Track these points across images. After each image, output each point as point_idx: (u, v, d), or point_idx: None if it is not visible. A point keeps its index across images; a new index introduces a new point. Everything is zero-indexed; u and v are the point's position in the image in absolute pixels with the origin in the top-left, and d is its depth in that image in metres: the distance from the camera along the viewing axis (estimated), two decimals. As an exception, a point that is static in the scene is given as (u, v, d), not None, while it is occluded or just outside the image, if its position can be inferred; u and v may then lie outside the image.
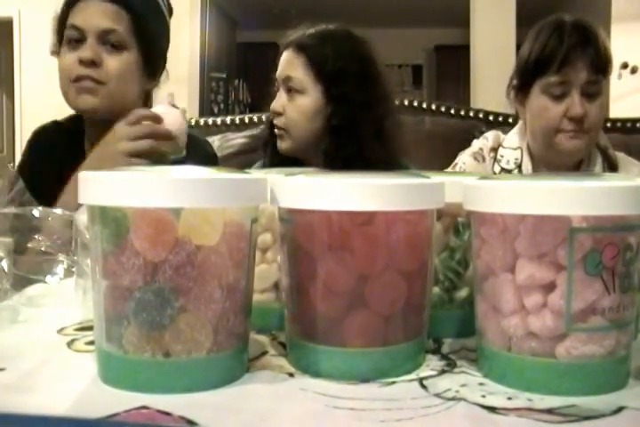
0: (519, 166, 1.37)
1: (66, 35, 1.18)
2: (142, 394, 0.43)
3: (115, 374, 0.45)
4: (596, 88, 1.25)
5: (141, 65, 1.22)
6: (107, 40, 1.17)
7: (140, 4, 1.22)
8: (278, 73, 1.33)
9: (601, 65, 1.24)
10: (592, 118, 1.26)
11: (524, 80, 1.30)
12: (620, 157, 1.41)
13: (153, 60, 1.25)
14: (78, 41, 1.16)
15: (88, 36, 1.16)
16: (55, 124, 1.37)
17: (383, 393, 0.44)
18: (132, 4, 1.19)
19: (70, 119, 1.35)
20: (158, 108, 1.14)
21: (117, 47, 1.18)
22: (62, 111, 1.27)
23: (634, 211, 0.43)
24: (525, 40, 1.32)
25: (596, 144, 1.36)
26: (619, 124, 2.03)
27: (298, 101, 1.30)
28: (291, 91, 1.30)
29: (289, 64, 1.32)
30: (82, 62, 1.15)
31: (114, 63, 1.17)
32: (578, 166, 1.36)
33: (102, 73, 1.16)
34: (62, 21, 1.20)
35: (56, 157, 1.27)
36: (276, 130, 1.34)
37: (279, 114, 1.32)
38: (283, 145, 1.34)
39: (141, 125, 1.08)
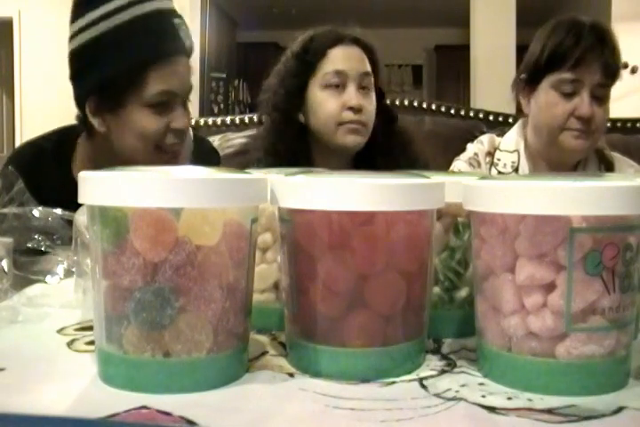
0: (516, 170, 1.36)
1: (149, 98, 1.09)
2: (142, 394, 0.43)
3: (115, 374, 0.45)
4: (604, 91, 1.24)
5: None
6: (185, 100, 1.16)
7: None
8: (348, 68, 1.29)
9: (614, 69, 1.23)
10: (598, 121, 1.25)
11: (534, 74, 1.29)
12: (616, 157, 1.40)
13: None
14: (164, 105, 1.11)
15: (177, 101, 1.12)
16: (30, 147, 1.25)
17: (383, 393, 0.44)
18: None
19: (53, 141, 1.24)
20: None
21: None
22: (61, 111, 1.25)
23: (634, 211, 0.43)
24: (536, 36, 1.30)
25: None
26: (619, 124, 2.03)
27: (371, 97, 1.32)
28: (364, 88, 1.31)
29: (361, 61, 1.31)
30: (174, 132, 1.12)
31: (186, 123, 1.17)
32: (575, 167, 1.35)
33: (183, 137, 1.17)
34: (135, 79, 1.08)
35: (39, 186, 1.16)
36: (353, 125, 1.30)
37: (360, 110, 1.30)
38: (358, 140, 1.32)
39: None
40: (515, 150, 1.38)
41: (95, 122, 1.12)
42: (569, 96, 1.24)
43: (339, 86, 1.29)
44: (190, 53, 1.16)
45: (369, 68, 1.32)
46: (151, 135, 1.11)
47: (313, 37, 1.32)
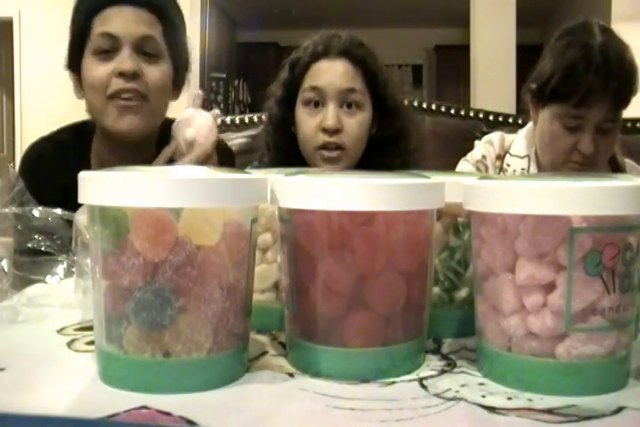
0: None
1: (93, 44, 1.06)
2: (142, 394, 0.43)
3: (115, 374, 0.45)
4: (612, 124, 1.17)
5: (172, 77, 1.14)
6: (144, 48, 1.07)
7: (171, 11, 1.14)
8: (325, 84, 1.18)
9: (622, 102, 1.16)
10: (602, 153, 1.19)
11: (541, 93, 1.21)
12: (629, 164, 1.34)
13: (181, 72, 1.17)
14: (109, 51, 1.06)
15: (123, 44, 1.06)
16: (48, 141, 1.22)
17: (383, 393, 0.44)
18: (165, 11, 1.12)
19: (68, 133, 1.23)
20: (188, 111, 1.07)
21: (154, 56, 1.08)
22: (61, 111, 1.25)
23: (634, 211, 0.43)
24: (550, 47, 1.21)
25: None
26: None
27: (358, 116, 1.19)
28: (350, 105, 1.18)
29: (348, 76, 1.18)
30: (122, 75, 1.04)
31: (154, 73, 1.08)
32: None
33: (143, 85, 1.06)
34: (82, 30, 1.07)
35: (58, 181, 1.08)
36: (327, 152, 1.18)
37: (337, 131, 1.17)
38: (339, 167, 1.18)
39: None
40: (526, 155, 1.31)
41: (74, 88, 1.13)
42: (572, 130, 1.17)
43: (318, 104, 1.18)
44: (148, 4, 1.09)
45: (355, 84, 1.18)
46: (97, 82, 1.06)
47: (305, 48, 1.22)
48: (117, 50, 1.06)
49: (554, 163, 1.23)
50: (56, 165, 1.17)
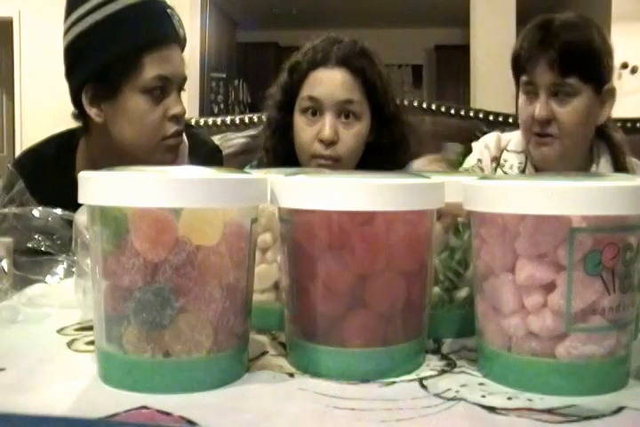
0: (523, 171, 1.29)
1: (144, 84, 1.07)
2: (142, 394, 0.43)
3: (115, 374, 0.45)
4: (567, 90, 1.16)
5: None
6: (180, 89, 1.15)
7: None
8: (322, 95, 1.15)
9: (568, 67, 1.15)
10: (562, 123, 1.18)
11: (514, 73, 1.28)
12: (635, 163, 1.33)
13: None
14: (160, 92, 1.09)
15: (173, 86, 1.11)
16: (34, 153, 1.24)
17: (383, 393, 0.44)
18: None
19: (54, 145, 1.23)
20: None
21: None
22: (61, 111, 1.24)
23: (634, 211, 0.43)
24: None
25: (610, 150, 1.30)
26: (619, 125, 2.02)
27: (355, 127, 1.17)
28: (348, 115, 1.16)
29: (346, 86, 1.16)
30: (174, 118, 1.11)
31: (183, 108, 1.16)
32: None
33: (182, 124, 1.15)
34: (127, 62, 1.07)
35: (41, 192, 1.14)
36: (322, 160, 1.16)
37: (333, 143, 1.15)
38: None
39: None
40: (522, 151, 1.32)
41: (92, 112, 1.10)
42: (532, 98, 1.19)
43: (316, 113, 1.16)
44: (183, 45, 1.15)
45: (353, 95, 1.16)
46: (151, 124, 1.09)
47: (305, 53, 1.20)
48: (166, 91, 1.10)
49: (525, 141, 1.25)
50: (35, 179, 1.18)
